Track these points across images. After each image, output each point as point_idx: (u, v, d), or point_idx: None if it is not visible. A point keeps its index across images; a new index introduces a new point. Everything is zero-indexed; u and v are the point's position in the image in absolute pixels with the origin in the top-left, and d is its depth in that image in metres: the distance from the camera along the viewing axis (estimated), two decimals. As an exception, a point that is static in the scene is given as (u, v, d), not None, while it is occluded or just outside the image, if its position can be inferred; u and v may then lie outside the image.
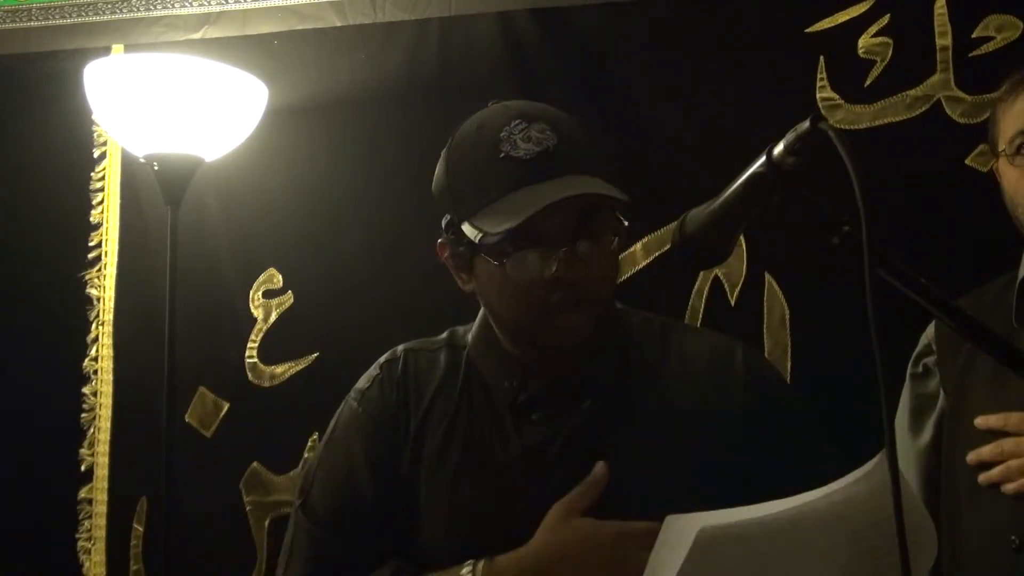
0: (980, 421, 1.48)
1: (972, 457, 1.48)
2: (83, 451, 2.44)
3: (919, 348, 1.70)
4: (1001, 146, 1.57)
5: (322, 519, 1.29)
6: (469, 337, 1.36)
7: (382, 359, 1.38)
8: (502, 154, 1.20)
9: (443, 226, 1.28)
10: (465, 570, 1.19)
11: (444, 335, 1.39)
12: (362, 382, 1.37)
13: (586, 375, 1.29)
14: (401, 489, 1.28)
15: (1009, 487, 1.43)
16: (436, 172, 1.30)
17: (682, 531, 1.02)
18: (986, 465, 1.47)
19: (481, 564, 1.19)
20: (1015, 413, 1.45)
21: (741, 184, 0.99)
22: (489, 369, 1.32)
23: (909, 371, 1.70)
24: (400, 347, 1.38)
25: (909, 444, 1.68)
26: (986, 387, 1.53)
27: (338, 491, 1.30)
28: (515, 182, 1.18)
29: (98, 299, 2.49)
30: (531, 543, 1.19)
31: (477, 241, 1.20)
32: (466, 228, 1.22)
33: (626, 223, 1.26)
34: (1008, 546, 1.44)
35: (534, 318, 1.23)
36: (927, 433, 1.67)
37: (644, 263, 2.21)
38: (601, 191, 1.19)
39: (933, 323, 1.67)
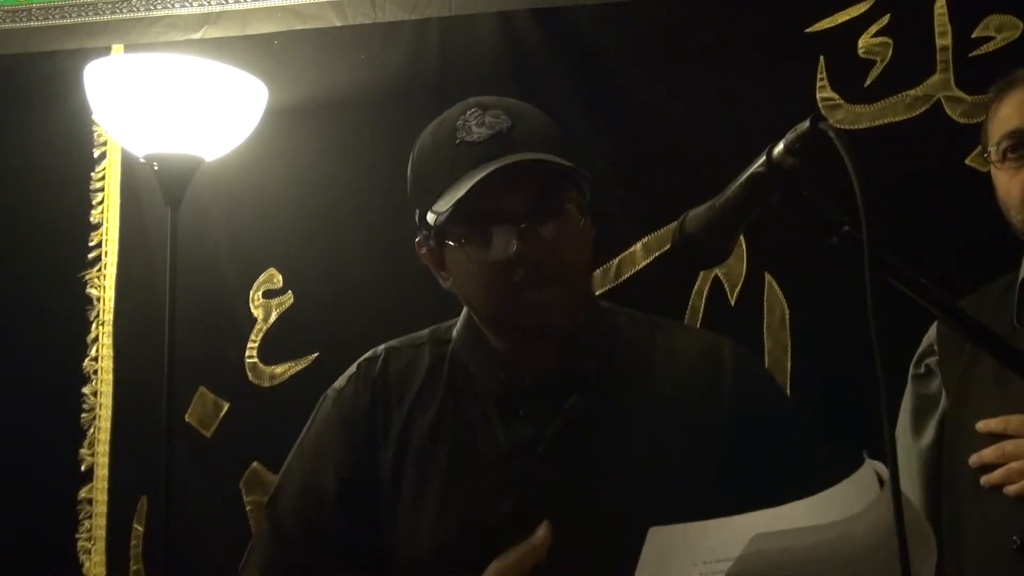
0: (981, 426, 1.48)
1: (974, 459, 1.48)
2: (83, 451, 2.44)
3: (921, 348, 1.70)
4: (988, 151, 1.58)
5: (283, 529, 1.28)
6: (454, 332, 1.35)
7: (362, 358, 1.37)
8: (458, 140, 1.22)
9: (417, 223, 1.29)
10: None
11: (426, 331, 1.38)
12: (340, 380, 1.36)
13: (572, 371, 1.28)
14: (375, 496, 1.27)
15: (1011, 489, 1.43)
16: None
17: (672, 540, 1.01)
18: (988, 467, 1.47)
19: None
20: (1016, 416, 1.45)
21: (741, 184, 0.99)
22: (475, 364, 1.31)
23: (911, 372, 1.70)
24: (381, 346, 1.37)
25: (911, 445, 1.68)
26: (988, 388, 1.53)
27: (303, 502, 1.29)
28: (470, 164, 1.20)
29: (98, 299, 2.49)
30: None
31: (434, 224, 1.21)
32: (429, 217, 1.23)
33: (587, 192, 1.27)
34: (1009, 546, 1.44)
35: (502, 299, 1.23)
36: (929, 434, 1.66)
37: (644, 263, 2.21)
38: (546, 158, 1.20)
39: (935, 324, 1.67)
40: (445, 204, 1.19)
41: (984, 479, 1.46)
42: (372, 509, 1.27)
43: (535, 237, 1.20)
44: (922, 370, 1.69)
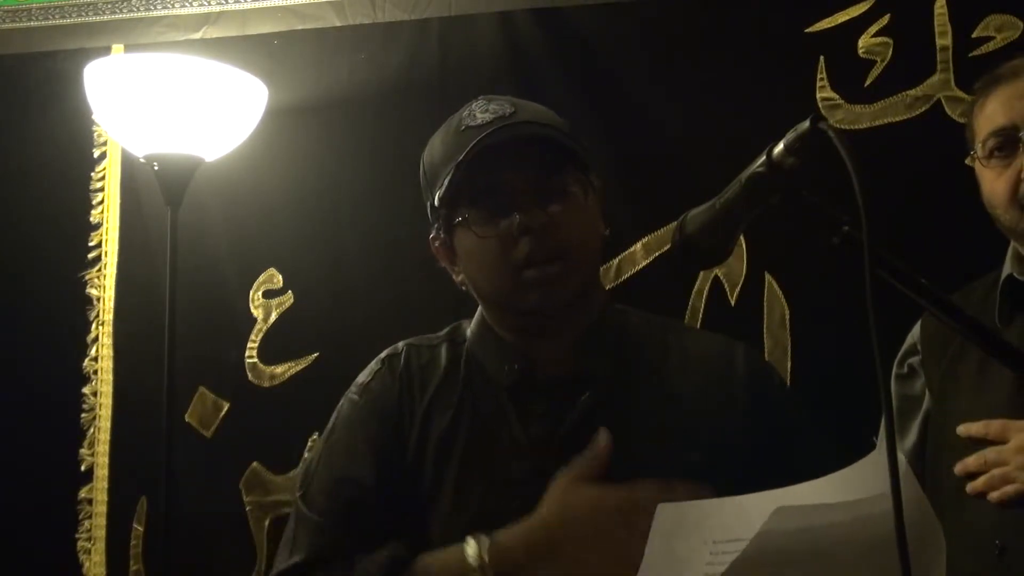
0: (962, 430, 1.46)
1: (959, 468, 1.46)
2: (83, 451, 2.44)
3: (904, 348, 1.68)
4: (975, 148, 1.57)
5: (324, 509, 1.29)
6: (468, 332, 1.37)
7: (383, 354, 1.39)
8: (463, 127, 1.27)
9: (430, 220, 1.33)
10: (471, 551, 1.18)
11: (445, 330, 1.40)
12: (363, 376, 1.37)
13: (584, 369, 1.30)
14: (407, 478, 1.29)
15: (994, 495, 1.41)
16: None
17: (682, 518, 1.01)
18: (973, 475, 1.46)
19: (485, 542, 1.18)
20: (996, 421, 1.43)
21: (741, 184, 0.99)
22: (487, 357, 1.33)
23: (894, 371, 1.68)
24: (401, 343, 1.39)
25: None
26: (971, 388, 1.52)
27: (341, 481, 1.30)
28: (472, 144, 1.23)
29: (98, 299, 2.49)
30: (537, 513, 1.19)
31: (437, 202, 1.25)
32: (436, 198, 1.27)
33: (593, 180, 1.30)
34: (992, 550, 1.43)
35: (507, 278, 1.26)
36: (912, 435, 1.65)
37: (644, 263, 2.21)
38: (545, 131, 1.24)
39: (919, 322, 1.66)
40: (445, 179, 1.23)
41: (969, 487, 1.44)
42: (404, 490, 1.28)
43: (538, 210, 1.23)
44: (905, 370, 1.67)
